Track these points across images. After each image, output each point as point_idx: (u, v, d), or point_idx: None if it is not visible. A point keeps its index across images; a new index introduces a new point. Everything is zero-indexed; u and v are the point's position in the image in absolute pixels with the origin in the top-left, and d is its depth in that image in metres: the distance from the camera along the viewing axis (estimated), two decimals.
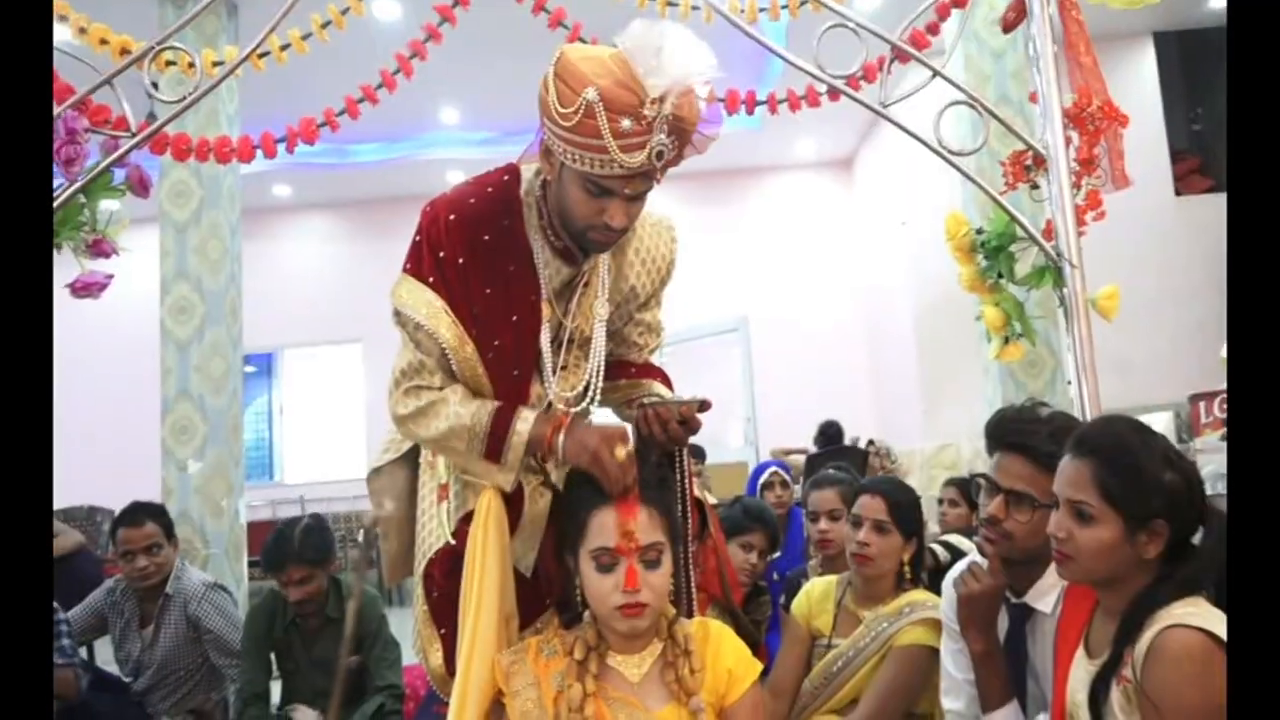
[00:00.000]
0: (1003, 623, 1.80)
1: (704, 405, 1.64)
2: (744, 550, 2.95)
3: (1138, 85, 7.73)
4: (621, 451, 1.51)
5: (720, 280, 9.69)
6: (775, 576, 3.21)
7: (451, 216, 1.60)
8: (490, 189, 1.65)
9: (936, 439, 7.37)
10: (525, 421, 1.57)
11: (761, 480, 3.94)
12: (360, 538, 8.60)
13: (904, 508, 2.19)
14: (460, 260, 1.59)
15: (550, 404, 1.69)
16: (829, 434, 6.66)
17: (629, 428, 1.66)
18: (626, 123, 1.40)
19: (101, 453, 9.03)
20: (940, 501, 3.91)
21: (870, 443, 6.02)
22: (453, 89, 7.73)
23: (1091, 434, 1.49)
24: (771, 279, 10.06)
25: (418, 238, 1.62)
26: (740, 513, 3.04)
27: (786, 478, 3.99)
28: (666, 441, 1.64)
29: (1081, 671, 1.49)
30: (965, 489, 3.68)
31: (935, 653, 1.98)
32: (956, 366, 6.98)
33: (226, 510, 4.76)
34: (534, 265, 1.64)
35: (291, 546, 2.91)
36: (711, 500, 4.83)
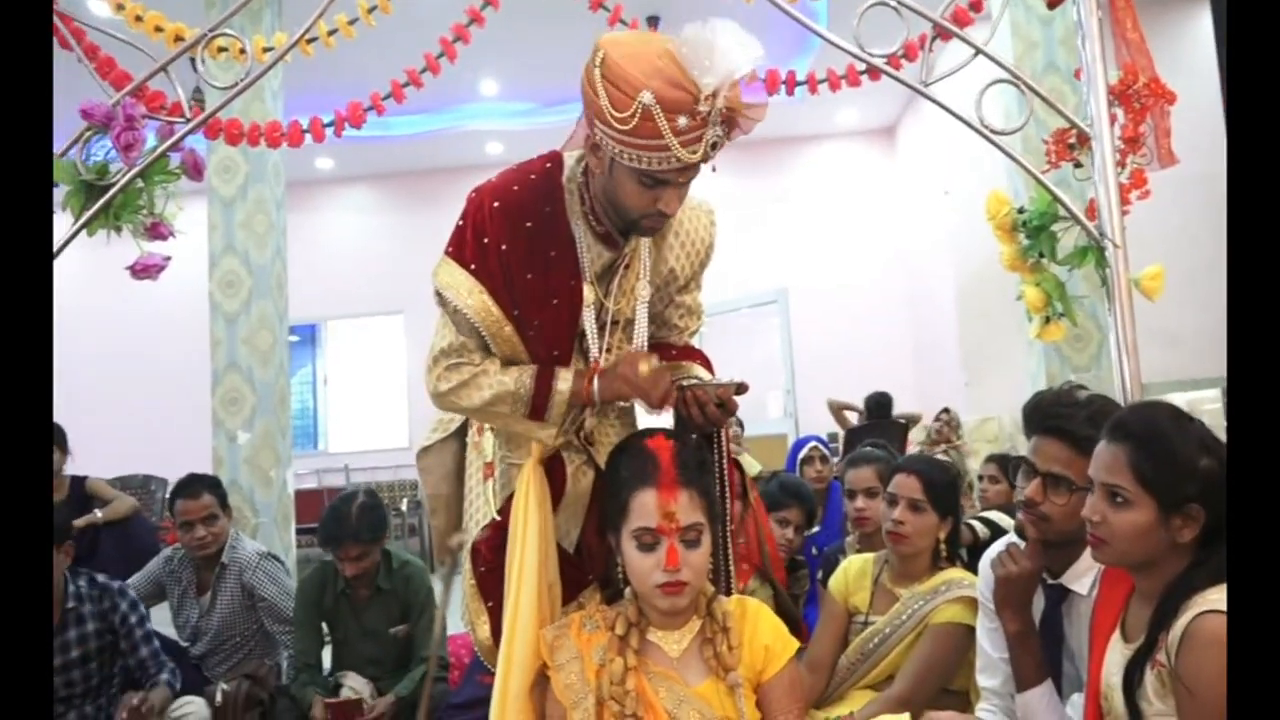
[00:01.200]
0: (1039, 603, 1.83)
1: (741, 388, 1.68)
2: (781, 526, 3.00)
3: (1192, 47, 7.53)
4: (645, 366, 1.61)
5: (760, 251, 9.66)
6: (814, 551, 3.26)
7: (496, 204, 1.65)
8: (533, 176, 1.70)
9: (978, 412, 7.33)
10: (565, 380, 1.66)
11: (801, 455, 3.97)
12: (409, 512, 8.78)
13: (940, 487, 2.21)
14: (503, 247, 1.64)
15: None
16: (877, 406, 6.62)
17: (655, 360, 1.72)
18: (683, 120, 1.43)
19: (156, 423, 9.30)
20: (980, 478, 3.91)
21: (945, 410, 6.00)
22: (493, 61, 7.75)
23: (1127, 419, 1.50)
24: (811, 250, 10.00)
25: (462, 222, 1.68)
26: (777, 489, 3.09)
27: (826, 452, 4.02)
28: (704, 424, 1.69)
29: (1116, 654, 1.51)
30: (1006, 465, 3.68)
31: (971, 631, 2.01)
32: (999, 339, 6.92)
33: (275, 480, 4.89)
34: (575, 250, 1.69)
35: (349, 524, 2.98)
36: (756, 468, 4.88)
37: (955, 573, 2.20)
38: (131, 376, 9.74)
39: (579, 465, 1.79)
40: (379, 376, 10.45)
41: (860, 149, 10.31)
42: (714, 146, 1.48)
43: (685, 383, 1.73)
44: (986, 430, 6.89)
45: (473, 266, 1.65)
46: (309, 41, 2.45)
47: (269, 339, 4.94)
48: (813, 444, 4.00)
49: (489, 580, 1.79)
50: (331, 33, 2.48)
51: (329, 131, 2.68)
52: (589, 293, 1.70)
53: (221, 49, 2.40)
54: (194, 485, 3.27)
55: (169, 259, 2.31)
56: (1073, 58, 4.44)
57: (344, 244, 10.46)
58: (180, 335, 8.81)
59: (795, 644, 1.63)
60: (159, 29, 2.32)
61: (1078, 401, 1.74)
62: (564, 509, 1.76)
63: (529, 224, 1.66)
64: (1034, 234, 2.49)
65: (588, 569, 1.79)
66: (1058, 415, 1.73)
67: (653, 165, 1.49)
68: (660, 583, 1.51)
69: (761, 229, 9.85)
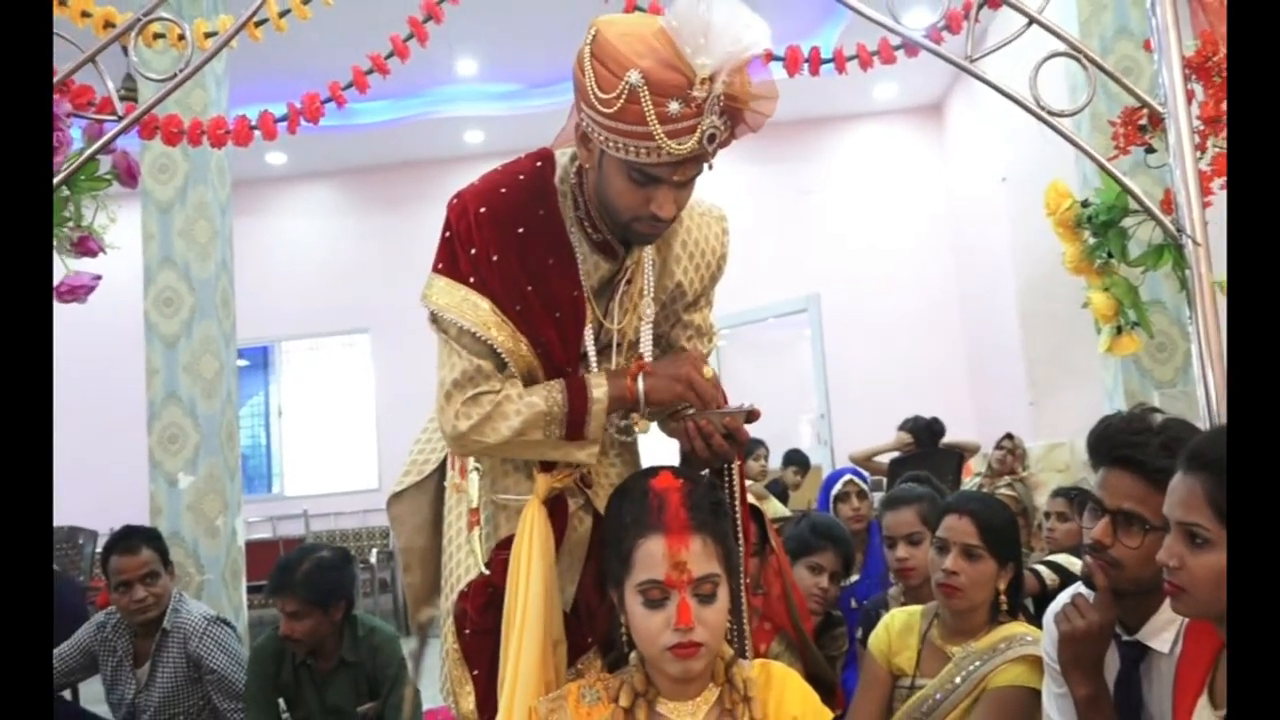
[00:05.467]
0: (1113, 663, 1.84)
1: (751, 415, 1.71)
2: (813, 573, 3.01)
3: None
4: (709, 370, 1.72)
5: (786, 250, 9.69)
6: (853, 604, 3.27)
7: (481, 209, 1.69)
8: (522, 176, 1.74)
9: (1046, 436, 7.33)
10: (600, 387, 1.70)
11: (834, 491, 4.00)
12: (380, 565, 8.80)
13: (997, 529, 2.23)
14: (494, 257, 1.68)
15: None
16: (926, 432, 6.61)
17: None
18: (674, 106, 1.48)
19: (81, 467, 9.32)
20: (1048, 515, 3.93)
21: (1008, 437, 6.04)
22: (471, 35, 7.80)
23: (1206, 446, 1.50)
24: (847, 248, 10.02)
25: (447, 234, 1.72)
26: (808, 530, 3.10)
27: (864, 487, 4.04)
28: (711, 458, 1.72)
29: None
30: (1078, 500, 3.70)
31: (1036, 695, 2.03)
32: (1069, 349, 6.93)
33: (222, 530, 4.92)
34: (574, 259, 1.73)
35: (292, 575, 3.04)
36: (782, 510, 4.85)
37: (1017, 627, 2.22)
38: (55, 412, 9.80)
39: (575, 509, 1.82)
40: (343, 406, 10.49)
41: (902, 130, 10.35)
42: (711, 140, 1.52)
43: (688, 412, 1.76)
44: (1056, 458, 6.88)
45: (472, 280, 1.69)
46: (257, 24, 2.50)
47: (214, 365, 4.98)
48: (848, 478, 4.03)
49: (476, 644, 1.81)
50: (284, 14, 2.52)
51: (281, 127, 2.73)
52: (586, 310, 1.74)
53: (158, 35, 2.45)
54: (130, 539, 3.31)
55: (99, 278, 2.35)
56: (1148, 22, 4.46)
57: (300, 252, 10.53)
58: (111, 363, 8.89)
59: (829, 714, 1.65)
60: (86, 14, 2.37)
61: (1151, 427, 1.76)
62: (559, 561, 1.79)
63: (521, 230, 1.70)
64: (1101, 230, 2.51)
65: (587, 630, 1.81)
66: (1128, 444, 1.74)
67: (640, 157, 1.53)
68: (671, 644, 1.53)
69: (787, 224, 9.89)
